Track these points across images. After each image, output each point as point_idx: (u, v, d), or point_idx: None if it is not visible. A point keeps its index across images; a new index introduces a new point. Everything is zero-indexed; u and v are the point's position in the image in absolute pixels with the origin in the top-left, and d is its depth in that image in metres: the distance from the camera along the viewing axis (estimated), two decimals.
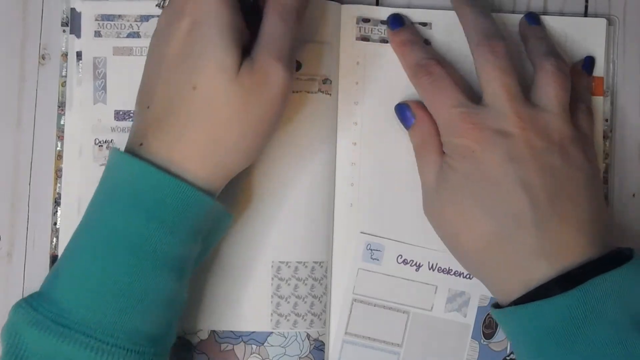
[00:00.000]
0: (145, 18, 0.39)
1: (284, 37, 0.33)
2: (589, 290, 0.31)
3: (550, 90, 0.35)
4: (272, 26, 0.33)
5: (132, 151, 0.32)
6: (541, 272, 0.33)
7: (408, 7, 0.41)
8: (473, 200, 0.34)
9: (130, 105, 0.37)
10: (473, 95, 0.37)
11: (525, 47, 0.40)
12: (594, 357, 0.31)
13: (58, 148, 0.39)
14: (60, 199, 0.39)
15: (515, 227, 0.33)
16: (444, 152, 0.36)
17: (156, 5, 0.37)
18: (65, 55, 0.39)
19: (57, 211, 0.39)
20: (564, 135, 0.35)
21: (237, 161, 0.33)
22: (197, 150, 0.32)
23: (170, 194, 0.31)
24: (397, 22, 0.40)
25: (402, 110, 0.39)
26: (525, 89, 0.36)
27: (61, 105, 0.39)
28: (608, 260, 0.33)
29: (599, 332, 0.31)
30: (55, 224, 0.39)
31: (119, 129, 0.39)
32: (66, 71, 0.39)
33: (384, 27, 0.40)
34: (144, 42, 0.38)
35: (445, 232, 0.37)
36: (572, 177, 0.34)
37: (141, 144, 0.32)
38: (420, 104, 0.38)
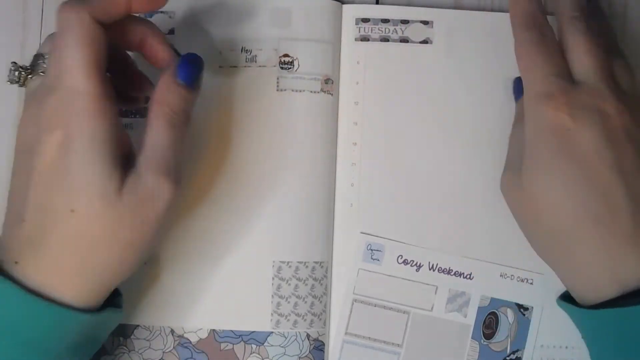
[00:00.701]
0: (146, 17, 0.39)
1: (172, 145, 0.31)
2: None
3: (629, 78, 0.34)
4: (159, 134, 0.31)
5: (7, 269, 0.30)
6: (635, 263, 0.31)
7: (409, 5, 0.41)
8: (562, 179, 0.32)
9: None
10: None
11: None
12: None
13: None
14: None
15: (609, 213, 0.31)
16: (531, 126, 0.34)
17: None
18: None
19: None
20: None
21: (120, 275, 0.32)
22: (76, 273, 0.30)
23: (46, 321, 0.29)
24: None
25: (518, 83, 0.38)
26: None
27: None
28: None
29: None
30: None
31: None
32: None
33: (384, 26, 0.40)
34: None
35: (523, 211, 0.35)
36: None
37: (17, 262, 0.30)
38: None
